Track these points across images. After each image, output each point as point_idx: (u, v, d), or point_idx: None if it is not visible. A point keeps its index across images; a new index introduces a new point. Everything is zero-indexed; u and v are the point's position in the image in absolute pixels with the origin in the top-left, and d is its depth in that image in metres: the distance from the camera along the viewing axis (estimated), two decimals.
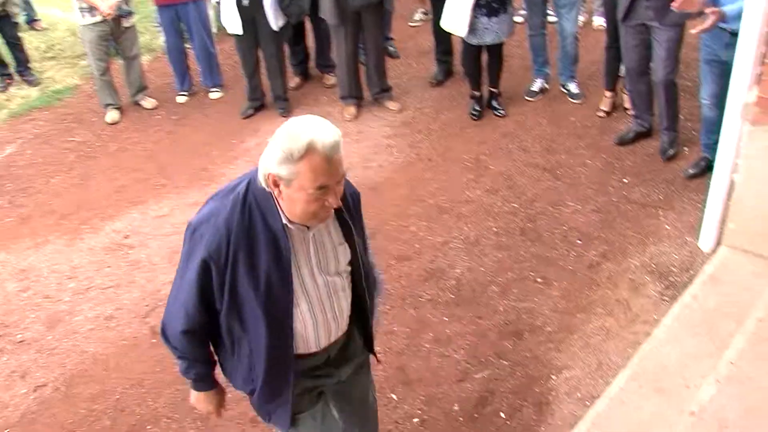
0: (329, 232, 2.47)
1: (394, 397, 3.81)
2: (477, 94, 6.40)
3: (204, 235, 2.31)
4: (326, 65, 7.27)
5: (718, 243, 4.43)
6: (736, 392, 3.23)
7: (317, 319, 2.49)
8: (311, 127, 2.15)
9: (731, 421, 3.11)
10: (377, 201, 5.33)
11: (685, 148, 5.59)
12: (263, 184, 2.25)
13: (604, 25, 6.22)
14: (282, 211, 2.30)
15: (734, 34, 4.11)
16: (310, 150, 2.11)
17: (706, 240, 4.52)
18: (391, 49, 7.52)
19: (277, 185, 2.21)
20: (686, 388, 3.50)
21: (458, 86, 6.90)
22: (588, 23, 7.64)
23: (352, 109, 6.63)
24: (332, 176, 2.19)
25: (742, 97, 4.01)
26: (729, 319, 3.81)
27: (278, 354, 2.47)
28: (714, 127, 4.64)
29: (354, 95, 6.66)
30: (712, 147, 4.56)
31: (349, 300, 2.60)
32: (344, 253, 2.52)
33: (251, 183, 2.31)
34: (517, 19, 6.88)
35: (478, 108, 6.41)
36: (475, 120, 6.35)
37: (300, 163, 2.12)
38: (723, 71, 4.47)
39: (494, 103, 6.45)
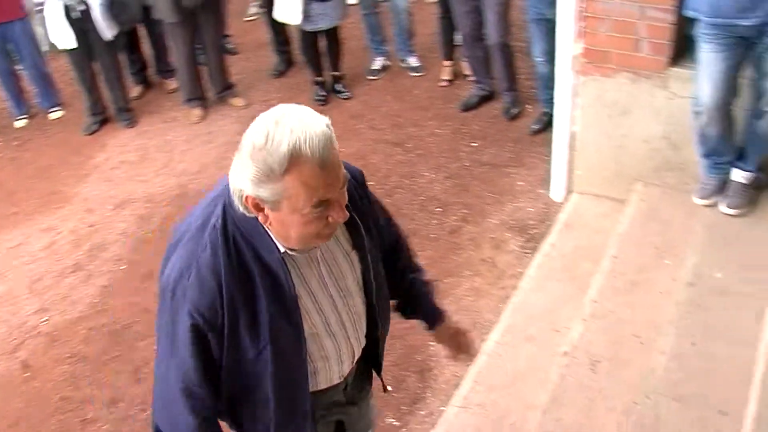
0: (337, 239, 1.95)
1: None
2: (320, 79, 6.42)
3: (187, 292, 1.76)
4: (165, 70, 7.11)
5: (569, 191, 4.64)
6: (601, 327, 3.42)
7: (341, 348, 2.04)
8: (289, 125, 1.58)
9: (600, 354, 3.29)
10: None
11: (527, 106, 5.81)
12: (242, 209, 1.73)
13: None
14: (275, 236, 1.78)
15: None
16: (295, 159, 1.56)
17: (556, 190, 4.72)
18: (229, 46, 7.44)
19: (260, 209, 1.69)
20: (556, 331, 3.66)
21: (301, 74, 6.89)
22: None
23: (198, 111, 6.52)
24: (332, 186, 1.65)
25: (570, 50, 4.20)
26: (586, 260, 4.02)
27: (289, 414, 1.98)
28: (549, 82, 4.83)
29: (197, 97, 6.55)
30: (551, 101, 4.75)
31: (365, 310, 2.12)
32: (356, 259, 2.01)
33: (227, 209, 1.77)
34: (350, 0, 6.94)
35: (322, 93, 6.43)
36: (321, 105, 6.35)
37: (286, 178, 1.59)
38: (550, 28, 4.66)
39: (338, 87, 6.49)
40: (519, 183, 5.03)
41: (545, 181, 4.86)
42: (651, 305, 3.47)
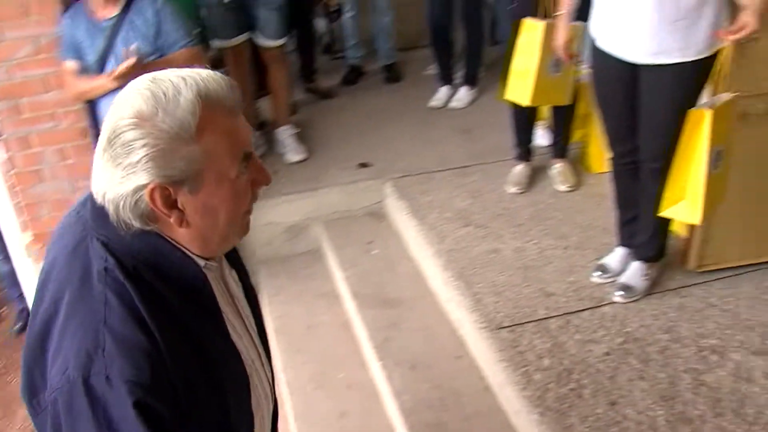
0: (225, 264, 1.52)
1: None
2: None
3: (111, 369, 1.19)
4: None
5: None
6: None
7: (267, 396, 1.57)
8: (175, 75, 1.23)
9: None
10: None
11: (3, 309, 5.62)
12: (134, 223, 1.25)
13: None
14: (185, 249, 1.32)
15: None
16: (206, 104, 1.21)
17: None
18: None
19: (172, 205, 1.25)
20: None
21: None
22: None
23: None
24: (249, 133, 1.31)
25: (21, 243, 4.21)
26: None
27: None
28: (13, 278, 4.76)
29: None
30: (22, 296, 4.69)
31: None
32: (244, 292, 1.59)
33: (109, 243, 1.27)
34: None
35: None
36: None
37: (203, 134, 1.21)
38: None
39: None
40: None
41: None
42: None
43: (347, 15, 5.95)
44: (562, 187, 4.07)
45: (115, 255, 1.26)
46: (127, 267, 1.25)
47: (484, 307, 3.15)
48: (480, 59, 5.45)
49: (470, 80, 5.43)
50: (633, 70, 2.85)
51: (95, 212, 1.29)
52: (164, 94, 1.19)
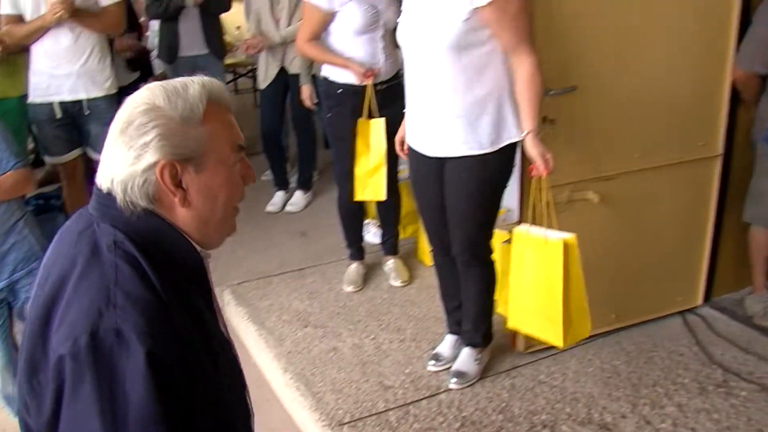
0: None
1: None
2: None
3: (123, 324, 1.19)
4: None
5: None
6: None
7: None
8: (184, 78, 1.38)
9: None
10: None
11: None
12: (140, 203, 1.33)
13: None
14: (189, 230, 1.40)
15: None
16: (210, 98, 1.36)
17: None
18: None
19: (177, 184, 1.34)
20: None
21: None
22: None
23: None
24: (240, 131, 1.45)
25: None
26: None
27: None
28: None
29: None
30: None
31: None
32: None
33: (120, 221, 1.33)
34: None
35: None
36: None
37: (207, 120, 1.35)
38: None
39: None
40: None
41: None
42: None
43: None
44: (397, 283, 4.22)
45: (122, 231, 1.33)
46: (134, 240, 1.32)
47: (326, 405, 3.19)
48: (313, 163, 5.64)
49: (304, 184, 5.58)
50: (439, 165, 3.02)
51: (99, 202, 1.38)
52: (177, 88, 1.34)
